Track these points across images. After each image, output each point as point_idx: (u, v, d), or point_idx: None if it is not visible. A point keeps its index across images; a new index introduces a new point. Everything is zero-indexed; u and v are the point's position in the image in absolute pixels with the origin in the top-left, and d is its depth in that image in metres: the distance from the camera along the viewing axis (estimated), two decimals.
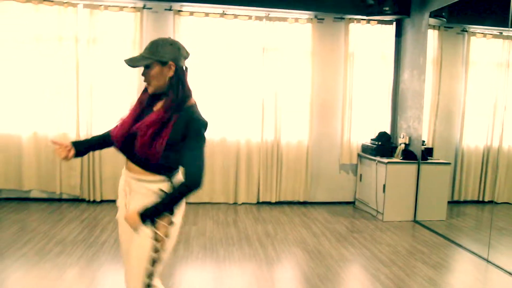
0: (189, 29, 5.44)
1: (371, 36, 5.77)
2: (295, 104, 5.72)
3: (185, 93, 1.93)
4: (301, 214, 5.38)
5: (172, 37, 4.87)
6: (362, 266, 3.76)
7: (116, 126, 1.97)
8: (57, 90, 5.26)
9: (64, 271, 3.36)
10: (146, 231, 1.85)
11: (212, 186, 5.64)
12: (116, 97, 5.38)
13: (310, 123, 5.74)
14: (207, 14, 5.45)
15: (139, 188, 1.92)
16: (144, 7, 5.36)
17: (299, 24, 5.62)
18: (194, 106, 1.96)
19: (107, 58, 5.34)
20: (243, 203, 5.71)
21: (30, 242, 3.93)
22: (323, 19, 5.71)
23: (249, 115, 5.61)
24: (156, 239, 1.87)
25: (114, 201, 4.48)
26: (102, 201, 5.45)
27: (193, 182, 1.82)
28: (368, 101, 5.82)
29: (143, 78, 1.96)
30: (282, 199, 5.80)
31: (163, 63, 1.87)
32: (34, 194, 5.45)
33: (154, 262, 1.90)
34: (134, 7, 5.33)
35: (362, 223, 5.07)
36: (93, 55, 5.30)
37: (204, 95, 5.46)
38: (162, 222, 1.88)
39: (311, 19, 5.64)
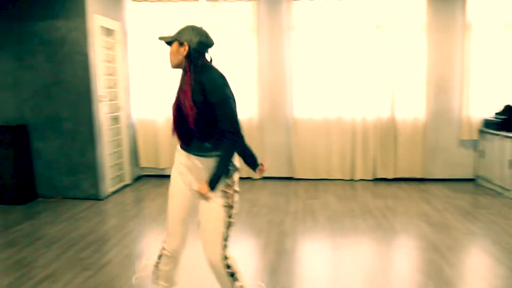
0: (302, 12, 5.67)
1: (491, 6, 5.48)
2: (410, 80, 5.68)
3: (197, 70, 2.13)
4: (419, 190, 5.40)
5: (286, 22, 5.13)
6: (492, 240, 3.74)
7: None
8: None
9: None
10: (218, 200, 2.15)
11: (329, 163, 5.88)
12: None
13: (427, 98, 5.67)
14: None
15: (198, 164, 2.19)
16: None
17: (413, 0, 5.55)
18: (208, 70, 2.14)
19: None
20: (359, 180, 5.88)
21: None
22: None
23: (364, 93, 5.71)
24: (227, 206, 2.17)
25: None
26: None
27: (231, 134, 2.08)
28: (489, 74, 5.57)
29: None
30: (399, 176, 5.85)
31: (180, 43, 2.14)
32: (168, 172, 6.15)
33: (228, 226, 2.19)
34: None
35: (487, 200, 4.95)
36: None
37: (319, 75, 5.70)
38: (229, 191, 2.17)
39: None
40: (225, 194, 2.18)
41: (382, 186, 5.59)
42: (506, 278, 3.00)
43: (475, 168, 5.82)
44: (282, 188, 5.55)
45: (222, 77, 2.14)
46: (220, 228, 2.17)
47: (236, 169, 2.23)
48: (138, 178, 6.11)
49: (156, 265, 2.40)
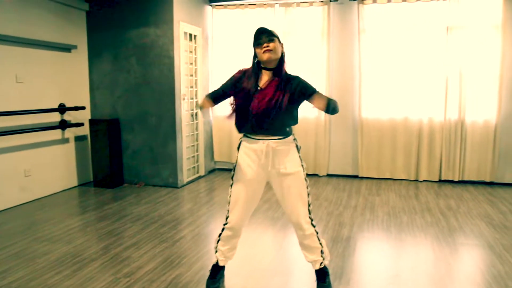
0: (372, 16, 5.85)
1: None
2: (481, 82, 5.62)
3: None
4: (486, 193, 5.34)
5: (357, 25, 5.41)
6: None
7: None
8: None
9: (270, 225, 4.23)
10: (301, 173, 2.57)
11: (394, 163, 5.99)
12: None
13: (499, 101, 5.57)
14: (389, 0, 5.76)
15: (280, 148, 2.53)
16: (330, 0, 5.96)
17: (488, 0, 5.50)
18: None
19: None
20: (424, 180, 5.91)
21: None
22: None
23: (432, 94, 5.76)
24: (305, 178, 2.62)
25: None
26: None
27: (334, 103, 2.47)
28: None
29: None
30: (465, 178, 5.80)
31: (280, 42, 2.55)
32: None
33: (308, 195, 2.62)
34: (322, 1, 5.98)
35: None
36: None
37: (388, 77, 5.85)
38: (304, 165, 2.61)
39: None
40: (303, 168, 2.61)
41: (447, 188, 5.59)
42: None
43: None
44: (345, 185, 5.77)
45: None
46: (306, 197, 2.60)
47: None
48: (211, 171, 6.64)
49: (217, 242, 2.82)
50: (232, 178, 2.69)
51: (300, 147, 2.66)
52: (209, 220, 4.34)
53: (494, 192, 5.38)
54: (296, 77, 2.56)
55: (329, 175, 6.28)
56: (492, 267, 3.19)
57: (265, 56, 2.47)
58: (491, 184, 5.75)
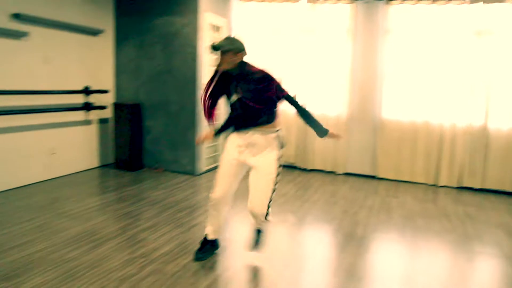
0: (398, 16, 5.77)
1: None
2: (508, 89, 5.49)
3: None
4: (508, 203, 5.24)
5: (382, 25, 5.37)
6: None
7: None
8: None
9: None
10: (273, 163, 2.82)
11: (413, 165, 5.93)
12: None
13: None
14: (418, 1, 5.68)
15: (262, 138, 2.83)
16: None
17: None
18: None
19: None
20: (443, 186, 5.84)
21: None
22: None
23: (456, 99, 5.65)
24: (276, 175, 2.83)
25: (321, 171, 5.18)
26: (312, 170, 6.33)
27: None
28: None
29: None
30: (486, 186, 5.70)
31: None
32: None
33: (274, 190, 2.84)
34: None
35: None
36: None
37: (411, 79, 5.78)
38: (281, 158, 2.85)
39: None
40: (280, 158, 2.84)
41: (467, 195, 5.51)
42: None
43: None
44: (363, 184, 5.74)
45: None
46: (270, 186, 2.81)
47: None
48: None
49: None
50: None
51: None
52: None
53: None
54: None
55: (346, 174, 6.25)
56: (507, 278, 3.15)
57: (221, 68, 2.82)
58: None
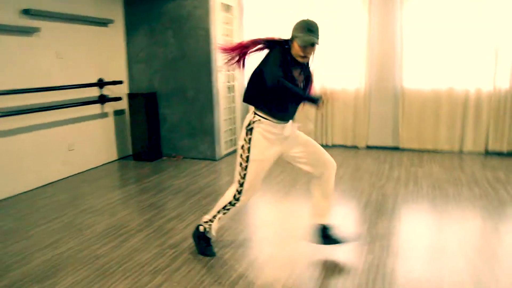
0: None
1: None
2: None
3: None
4: None
5: None
6: None
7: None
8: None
9: None
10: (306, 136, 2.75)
11: (437, 134, 5.77)
12: None
13: None
14: None
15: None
16: None
17: None
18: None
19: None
20: (469, 152, 5.68)
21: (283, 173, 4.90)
22: None
23: (480, 63, 5.43)
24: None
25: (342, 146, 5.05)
26: (333, 146, 6.22)
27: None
28: None
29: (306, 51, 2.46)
30: None
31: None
32: None
33: None
34: None
35: None
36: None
37: (431, 46, 5.58)
38: None
39: None
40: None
41: (495, 159, 5.35)
42: None
43: None
44: (386, 156, 5.62)
45: None
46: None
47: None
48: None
49: (219, 213, 2.80)
50: (247, 158, 2.59)
51: None
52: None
53: None
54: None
55: (368, 147, 6.12)
56: None
57: (301, 59, 2.49)
58: None
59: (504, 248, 2.98)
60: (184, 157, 5.75)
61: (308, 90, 2.63)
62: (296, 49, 2.44)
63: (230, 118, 6.02)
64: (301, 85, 2.57)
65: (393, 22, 5.76)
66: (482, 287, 2.41)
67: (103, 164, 5.52)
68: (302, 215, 3.55)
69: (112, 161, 5.68)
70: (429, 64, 5.65)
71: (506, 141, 5.51)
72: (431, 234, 3.25)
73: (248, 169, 2.60)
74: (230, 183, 4.63)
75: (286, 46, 2.50)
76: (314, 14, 5.87)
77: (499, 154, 5.57)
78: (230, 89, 5.99)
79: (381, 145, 6.11)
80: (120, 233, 3.30)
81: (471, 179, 4.52)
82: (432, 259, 2.78)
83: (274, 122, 2.54)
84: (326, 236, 2.86)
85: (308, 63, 2.59)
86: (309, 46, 2.43)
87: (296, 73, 2.52)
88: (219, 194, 4.19)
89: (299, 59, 2.48)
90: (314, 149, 2.73)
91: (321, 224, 2.86)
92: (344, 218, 3.56)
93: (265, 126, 2.54)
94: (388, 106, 5.99)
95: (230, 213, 2.78)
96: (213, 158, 5.60)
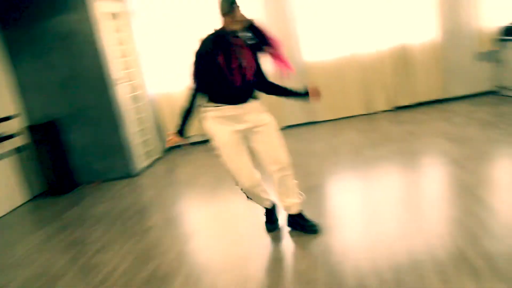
0: None
1: None
2: (419, 2, 5.55)
3: None
4: (440, 110, 5.42)
5: None
6: (510, 143, 3.78)
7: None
8: None
9: None
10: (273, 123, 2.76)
11: (348, 100, 5.94)
12: None
13: (439, 18, 5.58)
14: None
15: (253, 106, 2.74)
16: None
17: None
18: None
19: None
20: (380, 111, 5.92)
21: None
22: None
23: (371, 26, 5.65)
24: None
25: None
26: None
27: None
28: None
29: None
30: (419, 100, 5.85)
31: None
32: (195, 139, 6.36)
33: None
34: None
35: (508, 108, 4.92)
36: None
37: (325, 17, 5.70)
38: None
39: None
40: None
41: (403, 114, 5.63)
42: None
43: (496, 80, 5.72)
44: (304, 133, 5.69)
45: None
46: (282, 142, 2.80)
47: None
48: (168, 150, 6.37)
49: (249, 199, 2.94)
50: (215, 147, 2.75)
51: None
52: (176, 200, 4.17)
53: (447, 108, 5.48)
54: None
55: (287, 127, 6.17)
56: (459, 180, 3.22)
57: (238, 25, 2.51)
58: (443, 101, 5.82)
59: (426, 196, 3.11)
60: (103, 181, 5.41)
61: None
62: (227, 21, 2.51)
63: (142, 129, 5.75)
64: (250, 58, 2.58)
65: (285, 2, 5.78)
66: (408, 238, 2.48)
67: (15, 209, 5.02)
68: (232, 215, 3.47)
69: (25, 203, 5.18)
70: (326, 34, 5.76)
71: (411, 94, 5.81)
72: (360, 201, 3.32)
73: (223, 156, 2.73)
74: (154, 196, 4.47)
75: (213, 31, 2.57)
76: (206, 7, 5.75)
77: (406, 107, 5.86)
78: (137, 99, 5.71)
79: (298, 122, 6.17)
80: (43, 282, 2.99)
81: (386, 137, 4.70)
82: (366, 224, 2.83)
83: (218, 106, 2.64)
84: (292, 222, 2.96)
85: (253, 32, 2.57)
86: (235, 7, 2.46)
87: (237, 50, 2.53)
88: (145, 211, 3.99)
89: (237, 26, 2.51)
90: (270, 144, 2.75)
91: (289, 214, 2.95)
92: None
93: (211, 113, 2.68)
94: (295, 83, 6.02)
95: (257, 193, 2.85)
96: (132, 175, 5.32)
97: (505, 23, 5.41)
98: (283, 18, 5.83)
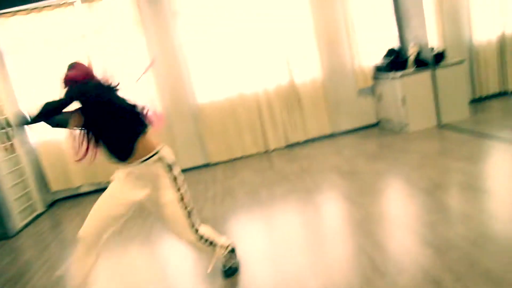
0: None
1: None
2: (301, 43, 5.79)
3: None
4: (330, 145, 5.61)
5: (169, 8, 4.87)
6: (395, 174, 3.99)
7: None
8: None
9: None
10: (171, 196, 2.43)
11: (242, 140, 5.91)
12: None
13: (321, 58, 5.87)
14: None
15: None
16: None
17: None
18: None
19: None
20: (274, 150, 5.98)
21: None
22: None
23: (261, 65, 5.76)
24: (181, 199, 2.46)
25: None
26: None
27: None
28: (371, 23, 5.87)
29: None
30: (310, 137, 6.03)
31: None
32: (83, 189, 5.86)
33: (189, 214, 2.48)
34: None
35: (390, 139, 5.26)
36: None
37: (214, 59, 5.70)
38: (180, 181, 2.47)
39: None
40: (176, 186, 2.45)
41: (296, 150, 5.73)
42: (411, 197, 3.21)
43: (377, 113, 6.13)
44: (199, 176, 5.51)
45: None
46: (183, 219, 2.45)
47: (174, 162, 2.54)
48: (52, 204, 5.76)
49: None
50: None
51: None
52: (62, 256, 3.71)
53: (336, 142, 5.70)
54: None
55: (183, 171, 5.92)
56: (351, 215, 3.27)
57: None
58: (332, 136, 6.06)
59: (323, 232, 3.09)
60: None
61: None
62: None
63: (19, 183, 5.12)
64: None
65: (171, 38, 5.68)
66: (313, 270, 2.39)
67: None
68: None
69: None
70: (217, 75, 5.75)
71: (302, 131, 5.98)
72: (259, 244, 3.19)
73: None
74: (33, 257, 3.91)
75: None
76: (88, 44, 5.43)
77: (299, 143, 6.00)
78: (9, 150, 5.09)
79: (192, 166, 5.98)
80: None
81: (281, 175, 4.70)
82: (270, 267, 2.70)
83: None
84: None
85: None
86: None
87: None
88: (23, 274, 3.46)
89: None
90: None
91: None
92: (168, 253, 3.27)
93: None
94: (190, 125, 5.90)
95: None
96: (7, 236, 4.65)
97: (377, 62, 5.87)
98: (173, 60, 5.71)
